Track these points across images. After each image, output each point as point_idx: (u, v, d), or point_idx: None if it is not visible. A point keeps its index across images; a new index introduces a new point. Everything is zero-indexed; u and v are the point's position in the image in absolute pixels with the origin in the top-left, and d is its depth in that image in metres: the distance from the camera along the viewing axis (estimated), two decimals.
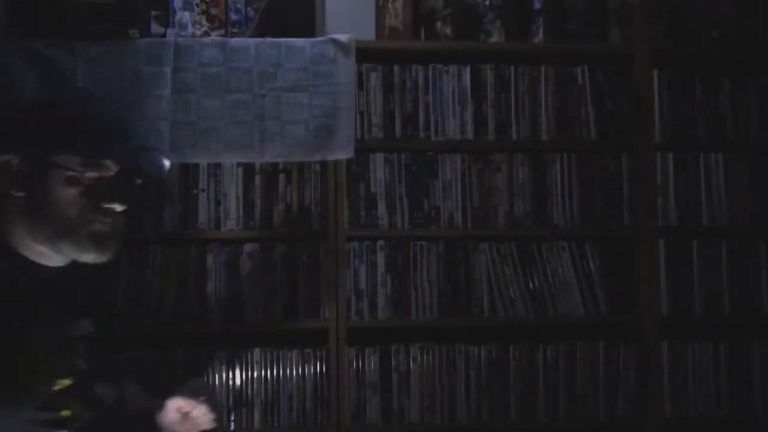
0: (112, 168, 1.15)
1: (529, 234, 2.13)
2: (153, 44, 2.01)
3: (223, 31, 2.11)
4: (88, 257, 1.15)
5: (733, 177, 2.18)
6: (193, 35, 2.09)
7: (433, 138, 2.13)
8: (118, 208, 1.14)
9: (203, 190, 2.05)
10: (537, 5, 2.21)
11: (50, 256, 1.15)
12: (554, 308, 2.12)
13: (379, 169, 2.11)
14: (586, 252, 2.14)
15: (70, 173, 1.12)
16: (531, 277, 2.12)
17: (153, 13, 2.12)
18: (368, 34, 2.18)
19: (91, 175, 1.14)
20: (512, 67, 2.15)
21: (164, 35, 2.08)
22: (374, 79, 2.12)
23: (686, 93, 2.19)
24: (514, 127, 2.15)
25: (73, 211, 1.13)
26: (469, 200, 2.12)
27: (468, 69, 2.14)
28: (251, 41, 2.04)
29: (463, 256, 2.11)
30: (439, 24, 2.22)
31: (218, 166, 2.05)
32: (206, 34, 2.09)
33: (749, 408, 2.13)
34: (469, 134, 2.13)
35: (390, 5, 2.20)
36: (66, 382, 1.11)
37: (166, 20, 2.10)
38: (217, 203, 2.05)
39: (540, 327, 2.13)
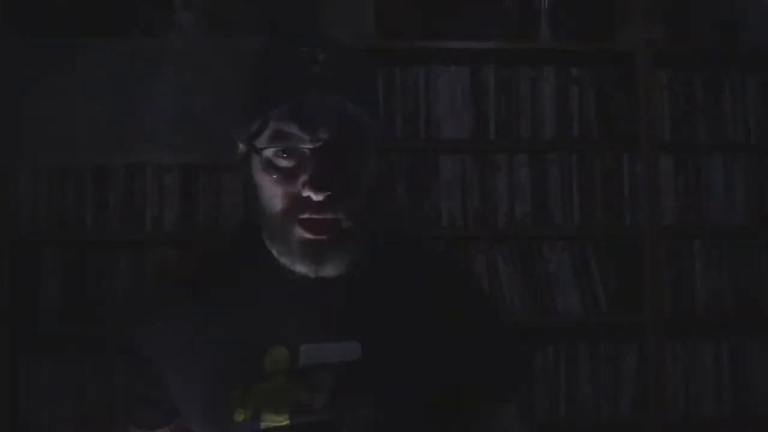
0: (305, 137, 0.82)
1: (529, 234, 2.13)
2: (153, 44, 2.01)
3: (223, 31, 2.11)
4: (302, 269, 0.86)
5: (733, 177, 2.18)
6: (193, 35, 2.09)
7: (433, 138, 2.13)
8: (316, 196, 0.81)
9: (203, 190, 2.04)
10: (538, 5, 2.21)
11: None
12: (554, 308, 2.12)
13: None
14: (586, 252, 2.14)
15: (262, 153, 0.84)
16: (531, 277, 2.12)
17: (153, 12, 2.12)
18: (368, 33, 2.18)
19: (282, 150, 0.83)
20: (513, 67, 2.15)
21: (164, 35, 2.08)
22: None
23: (687, 93, 2.19)
24: (514, 126, 2.15)
25: (276, 205, 0.84)
26: (469, 200, 2.12)
27: (468, 69, 2.14)
28: (251, 41, 2.03)
29: (463, 256, 2.11)
30: (439, 23, 2.21)
31: (218, 166, 2.05)
32: (206, 34, 2.09)
33: (750, 408, 2.12)
34: (469, 134, 2.13)
35: (391, 4, 2.20)
36: (278, 420, 0.83)
37: (166, 20, 2.10)
38: (217, 203, 2.05)
39: (540, 327, 2.13)
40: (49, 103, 1.97)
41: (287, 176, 0.83)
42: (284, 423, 0.83)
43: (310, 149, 0.81)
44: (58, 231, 2.00)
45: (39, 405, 1.95)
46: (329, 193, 0.81)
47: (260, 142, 0.84)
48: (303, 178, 0.81)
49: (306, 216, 0.83)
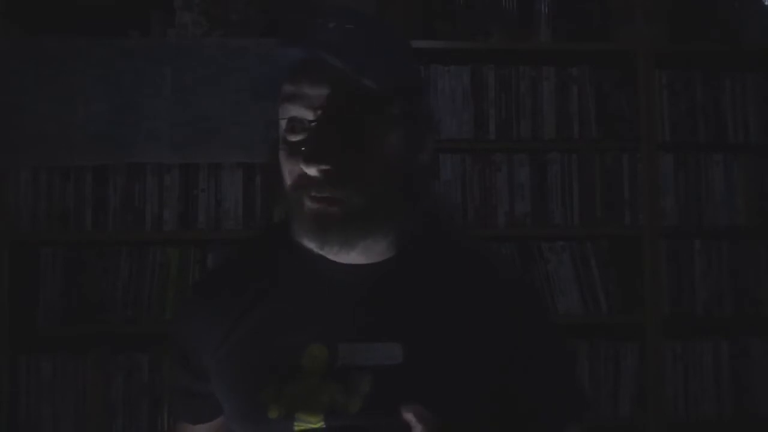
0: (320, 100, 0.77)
1: (529, 234, 2.13)
2: (153, 44, 2.02)
3: (223, 31, 2.11)
4: (312, 245, 0.80)
5: (733, 177, 2.18)
6: (193, 35, 2.09)
7: None
8: (309, 170, 0.76)
9: (203, 190, 2.05)
10: (538, 5, 2.21)
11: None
12: (554, 308, 2.12)
13: None
14: (586, 252, 2.14)
15: (285, 127, 0.80)
16: (531, 277, 2.12)
17: (153, 12, 2.12)
18: None
19: (296, 123, 0.78)
20: (513, 67, 2.15)
21: (164, 35, 2.08)
22: None
23: (687, 93, 2.19)
24: (514, 126, 2.15)
25: (287, 181, 0.81)
26: (469, 200, 2.12)
27: (468, 69, 2.14)
28: (251, 41, 2.04)
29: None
30: (439, 23, 2.22)
31: (218, 166, 2.05)
32: (206, 34, 2.09)
33: (749, 408, 2.12)
34: (469, 134, 2.13)
35: (391, 4, 2.20)
36: (313, 421, 0.80)
37: (166, 20, 2.10)
38: (217, 203, 2.05)
39: None
40: (48, 103, 1.97)
41: (295, 150, 0.78)
42: (319, 425, 0.80)
43: (310, 121, 0.77)
44: (58, 231, 2.00)
45: (39, 405, 1.95)
46: (326, 167, 0.75)
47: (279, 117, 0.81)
48: (306, 147, 0.77)
49: (313, 194, 0.78)
